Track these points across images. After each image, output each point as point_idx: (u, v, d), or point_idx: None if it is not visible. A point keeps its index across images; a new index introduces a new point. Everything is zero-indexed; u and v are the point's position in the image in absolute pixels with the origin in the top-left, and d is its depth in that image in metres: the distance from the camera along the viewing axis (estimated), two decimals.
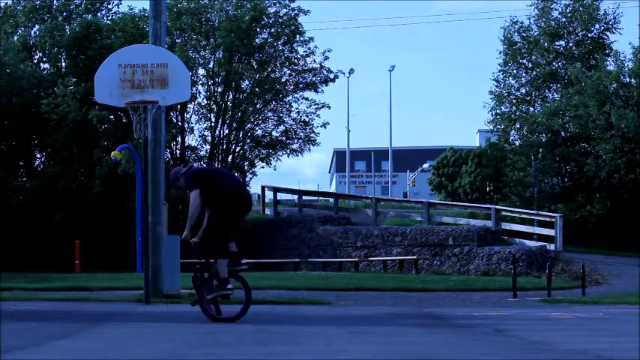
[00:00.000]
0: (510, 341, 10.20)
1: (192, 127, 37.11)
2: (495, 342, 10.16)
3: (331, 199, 40.97)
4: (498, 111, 40.10)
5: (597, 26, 39.87)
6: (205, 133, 37.19)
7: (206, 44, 36.34)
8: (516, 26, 40.20)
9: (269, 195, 39.22)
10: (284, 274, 27.85)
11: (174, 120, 36.31)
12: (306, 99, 37.53)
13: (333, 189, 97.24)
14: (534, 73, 39.97)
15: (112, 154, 29.88)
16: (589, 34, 39.83)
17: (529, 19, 40.38)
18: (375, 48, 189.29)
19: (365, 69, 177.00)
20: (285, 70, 37.32)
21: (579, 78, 37.14)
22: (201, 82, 36.86)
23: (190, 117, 37.12)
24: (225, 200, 12.34)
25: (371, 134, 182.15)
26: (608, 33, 39.98)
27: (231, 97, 36.84)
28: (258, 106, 37.00)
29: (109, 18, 40.36)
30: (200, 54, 36.67)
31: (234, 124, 36.55)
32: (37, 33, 40.03)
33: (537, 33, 39.96)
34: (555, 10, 40.08)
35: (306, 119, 37.27)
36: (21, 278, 23.34)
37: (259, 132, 37.48)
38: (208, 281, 12.56)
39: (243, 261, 12.75)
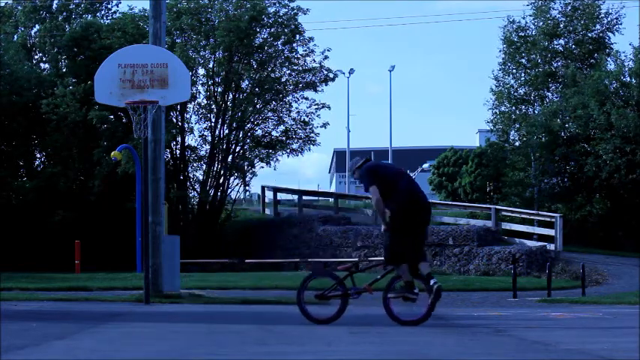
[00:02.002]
0: (510, 341, 10.21)
1: (192, 127, 37.11)
2: (495, 342, 10.16)
3: (331, 199, 40.96)
4: (497, 110, 40.09)
5: (598, 26, 39.82)
6: (205, 133, 37.19)
7: (206, 44, 36.32)
8: (514, 26, 40.17)
9: (269, 195, 39.22)
10: (284, 274, 27.86)
11: (174, 120, 36.30)
12: (306, 99, 37.52)
13: (333, 189, 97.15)
14: (533, 72, 39.94)
15: (112, 154, 29.88)
16: (589, 34, 39.79)
17: (524, 18, 40.39)
18: (375, 48, 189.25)
19: (365, 69, 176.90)
20: (285, 69, 37.30)
21: (577, 78, 37.10)
22: (201, 82, 36.83)
23: (190, 117, 37.11)
24: (399, 203, 11.89)
25: (371, 134, 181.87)
26: (609, 33, 39.94)
27: (231, 97, 36.82)
28: (258, 106, 36.95)
29: (109, 18, 40.38)
30: (200, 54, 36.64)
31: (234, 124, 36.52)
32: (37, 33, 40.05)
33: (535, 32, 39.92)
34: (554, 9, 40.05)
35: (306, 119, 37.24)
36: (21, 278, 23.35)
37: (259, 132, 37.46)
38: (392, 282, 12.07)
39: (432, 281, 11.87)
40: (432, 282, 11.76)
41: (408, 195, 11.90)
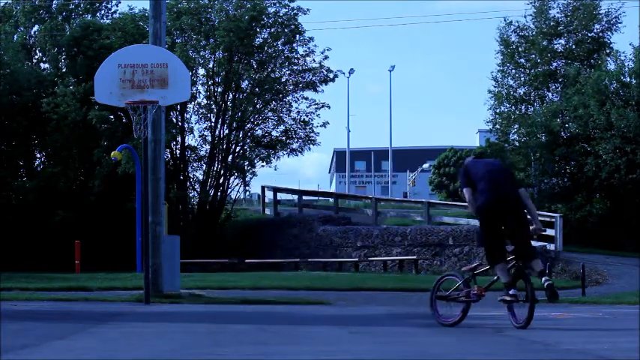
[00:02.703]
0: (510, 341, 10.20)
1: (192, 127, 37.12)
2: (495, 342, 10.16)
3: (331, 199, 40.97)
4: (497, 110, 40.09)
5: (597, 26, 39.82)
6: (205, 133, 37.20)
7: (206, 44, 36.32)
8: (512, 26, 40.11)
9: (269, 195, 39.24)
10: (284, 274, 27.86)
11: (174, 120, 36.30)
12: (306, 99, 37.52)
13: (333, 189, 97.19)
14: (533, 72, 39.92)
15: (112, 154, 29.87)
16: (589, 34, 39.78)
17: (525, 17, 40.36)
18: (375, 48, 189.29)
19: (365, 69, 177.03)
20: (285, 70, 37.29)
21: (578, 79, 37.09)
22: (201, 82, 36.84)
23: (190, 117, 37.12)
24: (480, 204, 11.52)
25: (371, 134, 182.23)
26: (609, 33, 39.93)
27: (231, 97, 36.82)
28: (258, 106, 36.96)
29: (109, 18, 40.37)
30: (200, 54, 36.64)
31: (234, 124, 36.53)
32: (37, 33, 40.04)
33: (535, 32, 39.90)
34: (553, 8, 40.03)
35: (306, 119, 37.25)
36: (21, 278, 23.33)
37: (259, 132, 37.47)
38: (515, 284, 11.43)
39: (544, 279, 11.27)
40: (542, 280, 11.30)
41: (486, 195, 11.46)
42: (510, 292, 11.41)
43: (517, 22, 40.29)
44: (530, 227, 11.60)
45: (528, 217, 11.64)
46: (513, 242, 11.53)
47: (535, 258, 11.50)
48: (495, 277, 11.82)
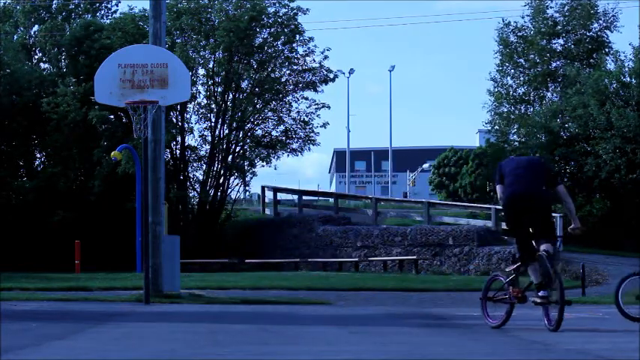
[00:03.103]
0: (510, 341, 10.20)
1: (192, 127, 37.12)
2: (495, 342, 10.16)
3: (331, 199, 40.99)
4: (495, 111, 40.08)
5: (596, 25, 39.84)
6: (205, 133, 37.21)
7: (206, 44, 36.33)
8: (510, 27, 40.09)
9: (269, 195, 39.24)
10: (284, 274, 27.88)
11: (174, 120, 36.30)
12: (306, 99, 37.53)
13: (333, 189, 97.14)
14: (532, 71, 39.92)
15: (112, 154, 29.88)
16: (587, 33, 39.79)
17: (523, 17, 40.36)
18: (375, 48, 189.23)
19: (365, 69, 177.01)
20: (285, 69, 37.30)
21: (578, 79, 37.09)
22: (201, 82, 36.84)
23: (190, 117, 37.13)
24: (502, 205, 11.45)
25: (371, 134, 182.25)
26: (607, 32, 39.95)
27: (231, 97, 36.82)
28: (258, 106, 36.97)
29: (109, 18, 40.38)
30: (200, 54, 36.65)
31: (234, 124, 36.53)
32: (37, 33, 40.04)
33: (533, 32, 39.90)
34: (551, 8, 40.03)
35: (306, 119, 37.26)
36: (21, 278, 23.34)
37: (259, 132, 37.48)
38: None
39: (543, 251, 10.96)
40: (541, 251, 11.03)
41: (506, 191, 11.29)
42: (540, 294, 11.20)
43: (515, 22, 40.31)
44: (570, 226, 11.51)
45: (561, 215, 11.60)
46: (536, 240, 11.26)
47: (549, 243, 11.21)
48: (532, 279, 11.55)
